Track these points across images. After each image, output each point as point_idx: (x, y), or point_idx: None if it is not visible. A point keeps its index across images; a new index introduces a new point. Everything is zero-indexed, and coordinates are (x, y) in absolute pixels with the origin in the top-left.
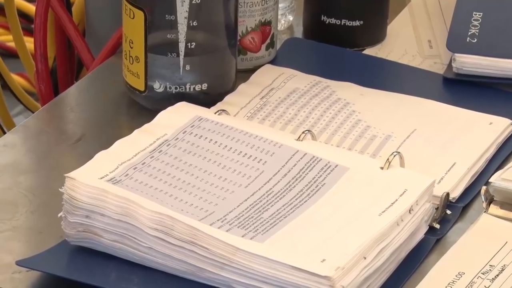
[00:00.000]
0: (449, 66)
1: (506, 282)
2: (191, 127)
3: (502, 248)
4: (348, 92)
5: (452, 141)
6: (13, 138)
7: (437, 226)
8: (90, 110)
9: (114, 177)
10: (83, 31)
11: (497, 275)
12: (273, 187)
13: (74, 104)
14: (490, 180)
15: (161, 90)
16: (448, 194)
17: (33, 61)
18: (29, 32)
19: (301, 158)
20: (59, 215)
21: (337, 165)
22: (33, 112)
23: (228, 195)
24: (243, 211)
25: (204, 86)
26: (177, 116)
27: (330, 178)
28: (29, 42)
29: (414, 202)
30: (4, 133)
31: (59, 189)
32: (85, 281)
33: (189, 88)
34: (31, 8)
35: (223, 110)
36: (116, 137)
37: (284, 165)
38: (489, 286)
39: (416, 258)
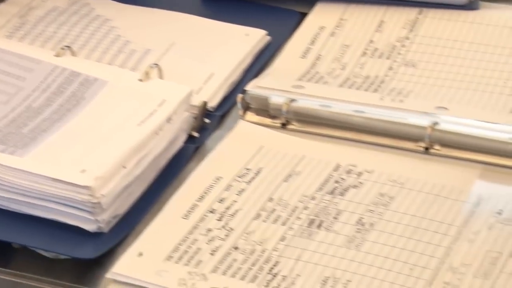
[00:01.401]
0: None
1: (261, 184)
2: None
3: (258, 152)
4: (108, 9)
5: (210, 53)
6: None
7: (196, 134)
8: None
9: None
10: None
11: (253, 178)
12: (32, 102)
13: None
14: (245, 88)
15: None
16: (205, 103)
17: None
18: None
19: (60, 74)
20: None
21: (96, 79)
22: None
23: None
24: (2, 127)
25: None
26: None
27: (89, 92)
28: None
29: (172, 111)
30: None
31: None
32: None
33: None
34: None
35: None
36: None
37: (43, 81)
38: (246, 188)
39: (176, 166)
